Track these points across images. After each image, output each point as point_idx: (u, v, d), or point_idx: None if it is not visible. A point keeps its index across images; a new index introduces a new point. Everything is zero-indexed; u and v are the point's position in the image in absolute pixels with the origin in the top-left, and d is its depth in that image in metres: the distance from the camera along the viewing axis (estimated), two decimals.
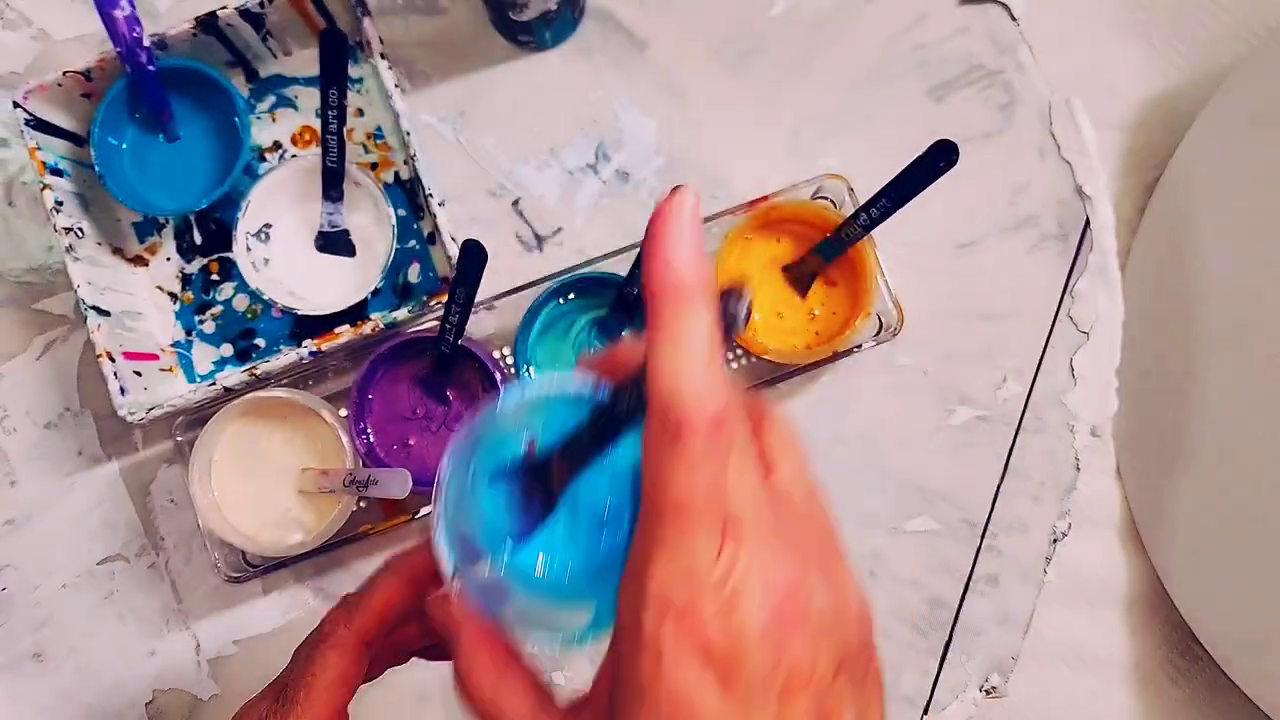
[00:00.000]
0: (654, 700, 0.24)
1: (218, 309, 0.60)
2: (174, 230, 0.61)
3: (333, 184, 0.56)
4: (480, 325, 0.59)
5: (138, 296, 0.60)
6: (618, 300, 0.53)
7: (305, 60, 0.61)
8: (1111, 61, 0.64)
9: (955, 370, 0.60)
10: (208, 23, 0.55)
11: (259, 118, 0.61)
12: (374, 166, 0.60)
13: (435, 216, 0.55)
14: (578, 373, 0.30)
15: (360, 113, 0.61)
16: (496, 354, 0.58)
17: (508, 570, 0.29)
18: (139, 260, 0.61)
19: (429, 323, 0.57)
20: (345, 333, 0.55)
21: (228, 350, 0.60)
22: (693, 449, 0.23)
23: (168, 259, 0.61)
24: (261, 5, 0.55)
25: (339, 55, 0.52)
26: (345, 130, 0.55)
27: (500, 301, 0.57)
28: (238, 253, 0.56)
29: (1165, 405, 0.59)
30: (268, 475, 0.56)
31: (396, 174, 0.60)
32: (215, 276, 0.60)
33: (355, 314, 0.57)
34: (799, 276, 0.56)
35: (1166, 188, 0.62)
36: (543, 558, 0.29)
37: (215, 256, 0.60)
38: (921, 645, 0.59)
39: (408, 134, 0.56)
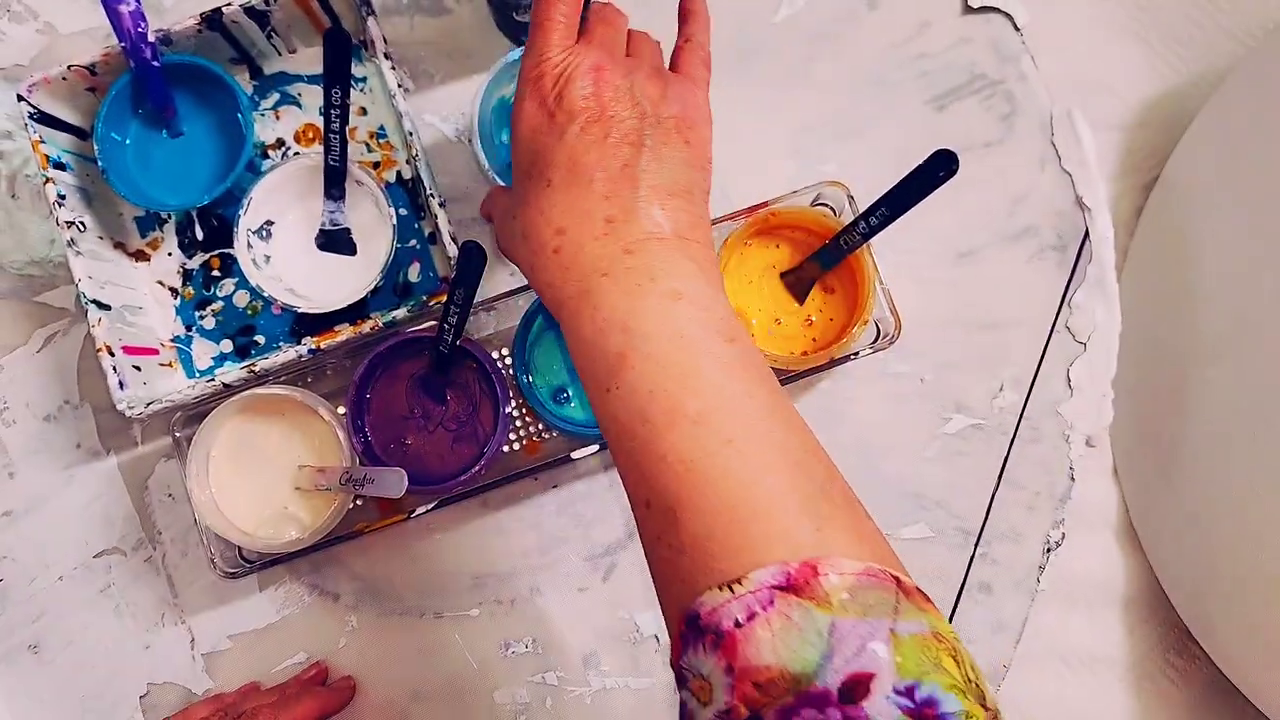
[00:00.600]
0: (517, 126, 0.43)
1: (218, 305, 0.60)
2: (176, 226, 0.61)
3: (335, 182, 0.56)
4: (479, 326, 0.59)
5: (138, 291, 0.60)
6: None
7: (310, 58, 0.61)
8: (1110, 63, 0.65)
9: (952, 379, 0.60)
10: (213, 19, 0.56)
11: (262, 115, 0.61)
12: (376, 165, 0.61)
13: (436, 216, 0.55)
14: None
15: (363, 111, 0.61)
16: (495, 355, 0.58)
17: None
18: (140, 255, 0.61)
19: (428, 322, 0.58)
20: (345, 331, 0.55)
21: (227, 346, 0.60)
22: None
23: (169, 254, 0.61)
24: (266, 3, 0.56)
25: (343, 54, 0.52)
26: (348, 129, 0.55)
27: (499, 303, 0.57)
28: (239, 249, 0.56)
29: (1163, 407, 0.59)
30: (265, 472, 0.56)
31: (398, 173, 0.61)
32: (216, 273, 0.61)
33: (355, 312, 0.58)
34: (797, 283, 0.56)
35: (1164, 188, 0.62)
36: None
37: (216, 252, 0.61)
38: None
39: (410, 134, 0.56)
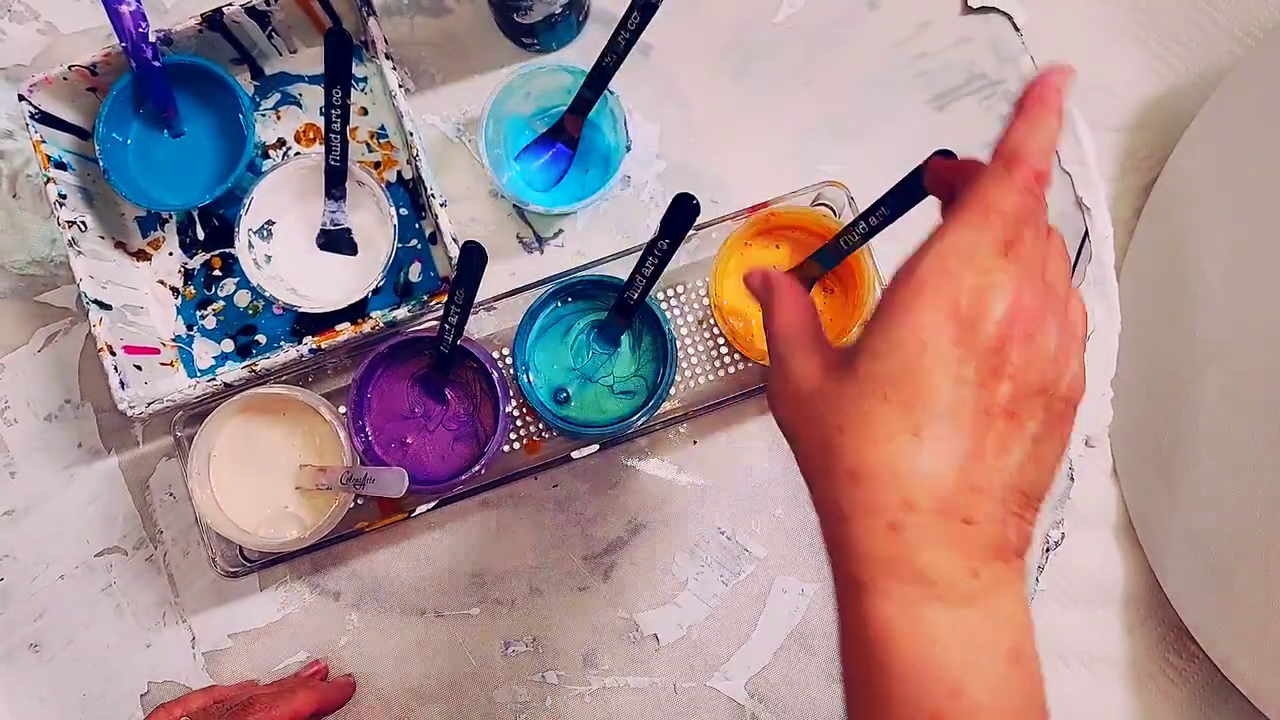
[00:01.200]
0: (901, 319, 0.32)
1: (219, 305, 0.60)
2: (177, 225, 0.61)
3: (335, 182, 0.56)
4: (480, 326, 0.59)
5: (140, 291, 0.60)
6: (617, 303, 0.53)
7: (310, 59, 0.61)
8: (1109, 63, 0.65)
9: None
10: (214, 19, 0.56)
11: (263, 115, 0.61)
12: (377, 166, 0.61)
13: (437, 217, 0.55)
14: None
15: (364, 112, 0.61)
16: (495, 355, 0.58)
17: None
18: (141, 255, 0.61)
19: (429, 322, 0.58)
20: (345, 331, 0.55)
21: (228, 346, 0.60)
22: (1016, 180, 0.33)
23: (170, 254, 0.61)
24: (267, 3, 0.56)
25: (344, 55, 0.52)
26: (349, 129, 0.55)
27: (500, 303, 0.58)
28: (240, 249, 0.56)
29: (1162, 406, 0.59)
30: (266, 471, 0.56)
31: (399, 173, 0.61)
32: (217, 272, 0.61)
33: (356, 312, 0.58)
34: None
35: (1163, 189, 0.62)
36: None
37: (217, 252, 0.61)
38: None
39: (411, 134, 0.56)
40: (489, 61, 0.62)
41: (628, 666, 0.59)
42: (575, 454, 0.57)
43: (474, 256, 0.48)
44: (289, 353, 0.55)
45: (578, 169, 0.60)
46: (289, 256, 0.58)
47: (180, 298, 0.61)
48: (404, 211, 0.60)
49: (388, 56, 0.57)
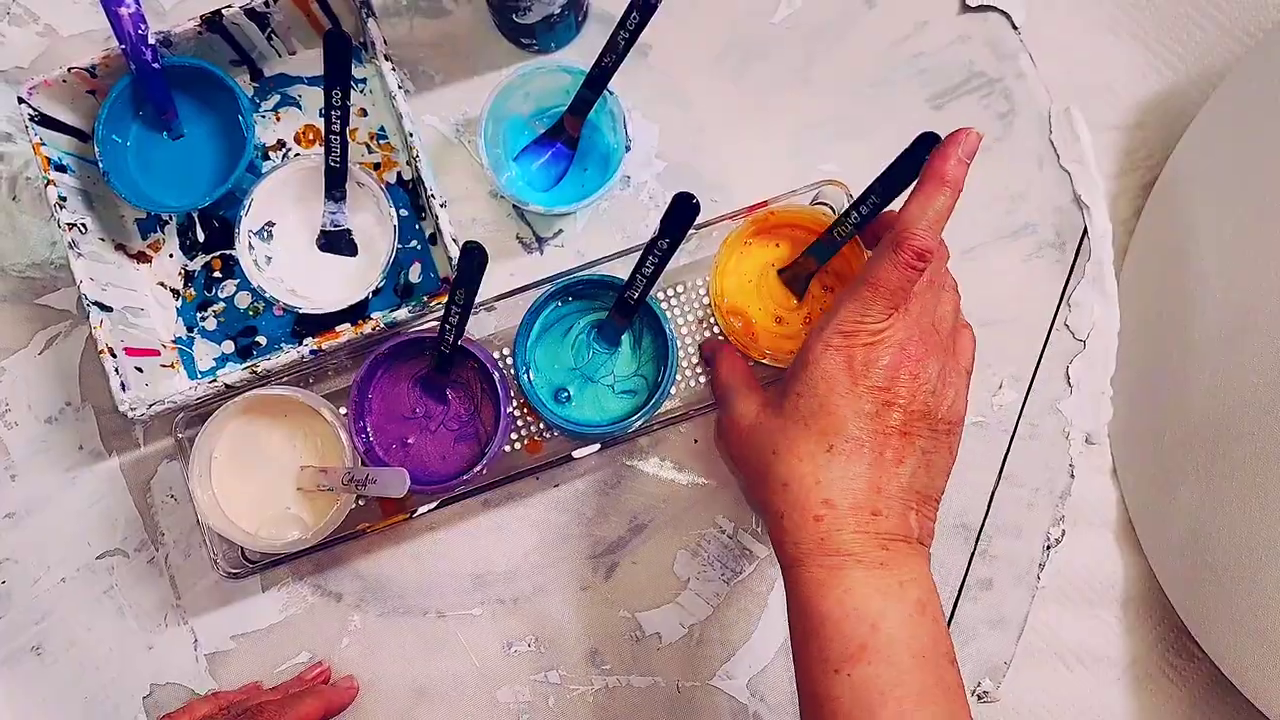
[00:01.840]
0: (813, 369, 0.43)
1: (220, 306, 0.61)
2: (177, 227, 0.61)
3: (335, 184, 0.57)
4: (480, 326, 0.59)
5: (140, 293, 0.60)
6: (617, 303, 0.53)
7: (310, 60, 0.61)
8: (1108, 62, 0.65)
9: None
10: (213, 21, 0.56)
11: (263, 116, 0.61)
12: (377, 167, 0.61)
13: (437, 217, 0.55)
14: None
15: (364, 113, 0.61)
16: (496, 355, 0.58)
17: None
18: (142, 257, 0.61)
19: (429, 323, 0.58)
20: (346, 332, 0.55)
21: (229, 347, 0.60)
22: (900, 259, 0.42)
23: (170, 256, 0.61)
24: (266, 4, 0.56)
25: (343, 56, 0.52)
26: (349, 130, 0.55)
27: (500, 303, 0.58)
28: (240, 250, 0.56)
29: (1162, 405, 0.59)
30: (267, 472, 0.56)
31: (399, 174, 0.61)
32: (218, 274, 0.61)
33: (356, 313, 0.58)
34: (794, 279, 0.56)
35: (1163, 188, 0.62)
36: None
37: (218, 254, 0.61)
38: None
39: (411, 135, 0.56)
40: (488, 62, 0.62)
41: (630, 665, 0.60)
42: (576, 454, 0.57)
43: (474, 257, 0.48)
44: (290, 354, 0.55)
45: (577, 169, 0.60)
46: (289, 258, 0.58)
47: (181, 299, 0.61)
48: (404, 212, 0.60)
49: (387, 58, 0.57)
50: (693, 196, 0.47)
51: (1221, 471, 0.55)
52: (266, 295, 0.56)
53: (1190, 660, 0.63)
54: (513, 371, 0.56)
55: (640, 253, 0.50)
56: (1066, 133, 0.61)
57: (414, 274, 0.60)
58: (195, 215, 0.61)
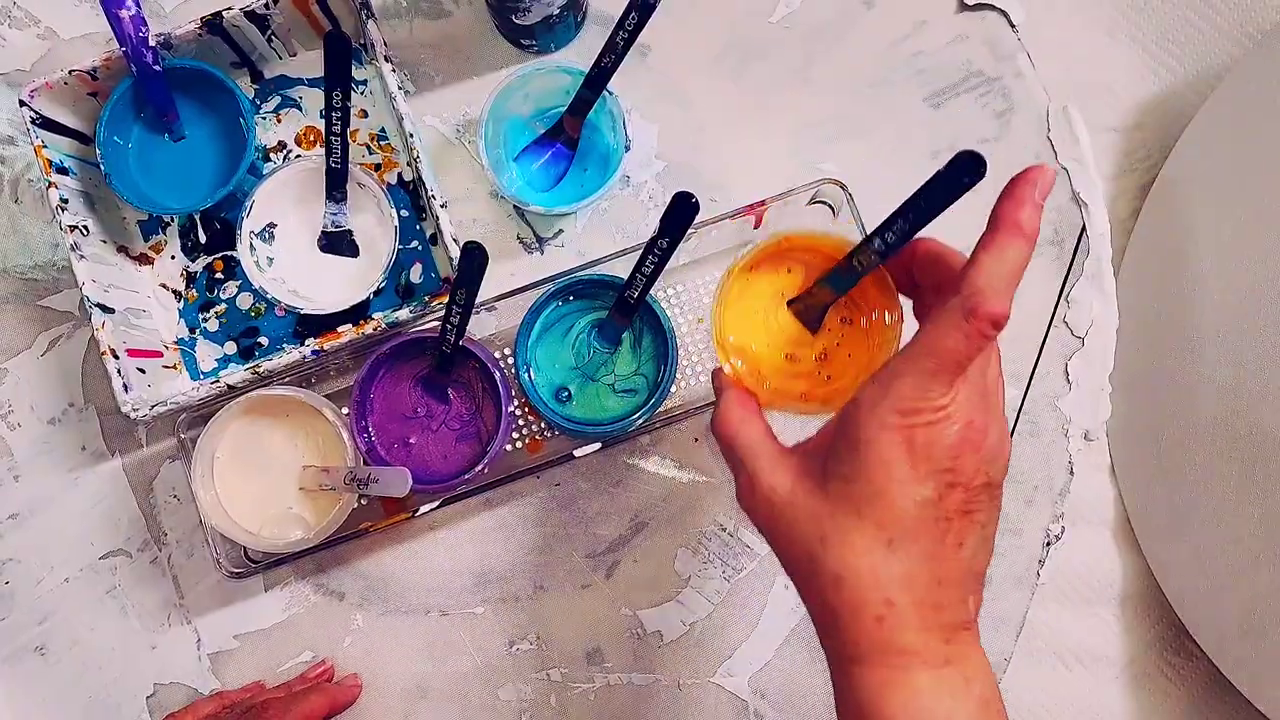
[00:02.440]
0: (866, 452, 0.37)
1: (221, 307, 0.61)
2: (179, 229, 0.61)
3: (336, 185, 0.57)
4: (481, 325, 0.59)
5: (142, 294, 0.60)
6: (617, 303, 0.54)
7: (310, 62, 0.62)
8: (1107, 63, 0.65)
9: None
10: (213, 23, 0.56)
11: (264, 118, 0.62)
12: (377, 168, 0.61)
13: (438, 218, 0.56)
14: None
15: (364, 114, 0.61)
16: (497, 354, 0.59)
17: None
18: (144, 258, 0.61)
19: (431, 323, 0.58)
20: (348, 332, 0.55)
21: (231, 348, 0.61)
22: (973, 327, 0.36)
23: (172, 257, 0.61)
24: (267, 7, 0.56)
25: (343, 58, 0.53)
26: (349, 132, 0.55)
27: (501, 303, 0.58)
28: (242, 252, 0.56)
29: (1160, 405, 0.60)
30: (270, 472, 0.57)
31: (400, 175, 0.61)
32: (219, 275, 0.61)
33: (358, 313, 0.58)
34: (807, 311, 0.47)
35: (1162, 189, 0.62)
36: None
37: (219, 255, 0.61)
38: None
39: (411, 136, 0.56)
40: (488, 63, 0.62)
41: (631, 664, 0.60)
42: (577, 452, 0.57)
43: (475, 257, 0.48)
44: (291, 354, 0.55)
45: (577, 169, 0.60)
46: (291, 259, 0.59)
47: (183, 301, 0.61)
48: (405, 213, 0.60)
49: (387, 59, 0.57)
50: (692, 196, 0.47)
51: (1220, 470, 0.55)
52: (268, 296, 0.56)
53: (1188, 659, 0.63)
54: (514, 371, 0.56)
55: (640, 252, 0.50)
56: (1064, 131, 0.62)
57: (415, 274, 0.60)
58: (197, 217, 0.61)
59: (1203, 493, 0.56)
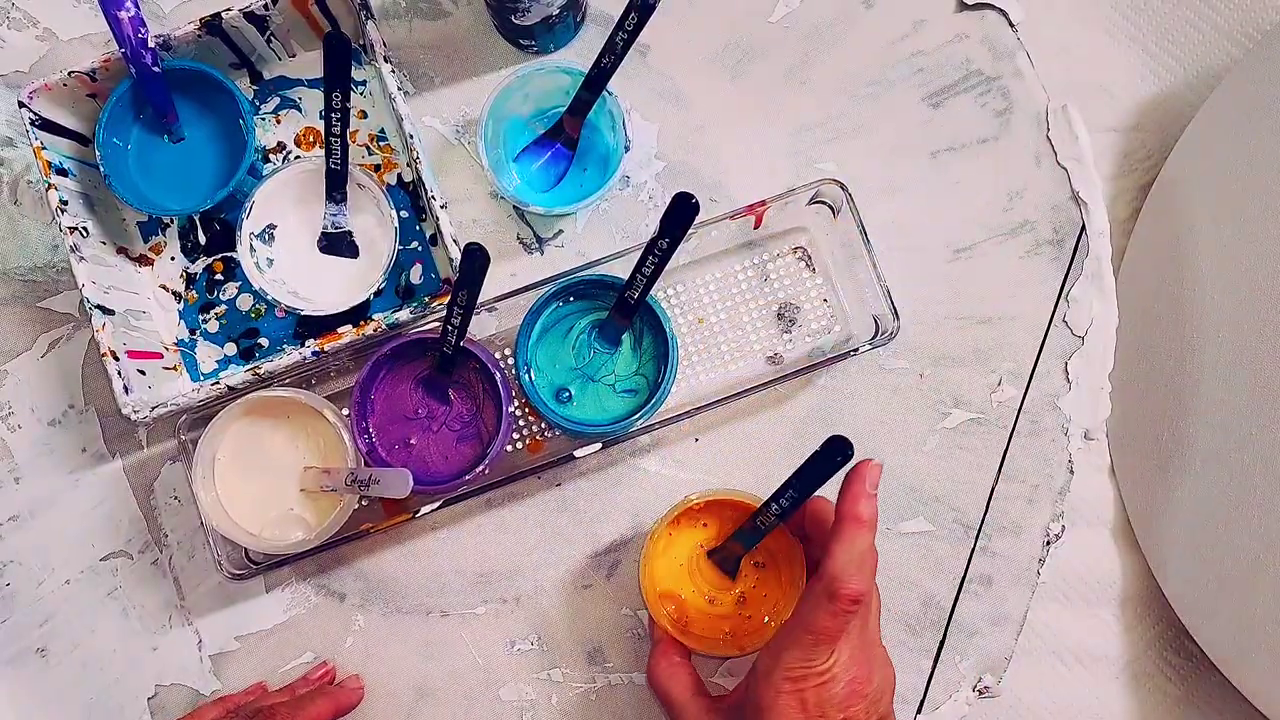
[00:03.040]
0: (768, 715, 0.44)
1: (221, 308, 0.61)
2: (178, 230, 0.61)
3: (336, 186, 0.57)
4: (481, 326, 0.59)
5: (142, 296, 0.60)
6: (618, 303, 0.54)
7: (310, 62, 0.62)
8: (1106, 64, 0.65)
9: (950, 373, 0.61)
10: (212, 24, 0.56)
11: (263, 119, 0.61)
12: (377, 168, 0.61)
13: (438, 218, 0.56)
14: None
15: (364, 115, 0.61)
16: (497, 355, 0.59)
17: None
18: (143, 260, 0.61)
19: (431, 323, 0.58)
20: (348, 333, 0.55)
21: (231, 349, 0.61)
22: (836, 607, 0.43)
23: (172, 258, 0.61)
24: (266, 8, 0.56)
25: (342, 59, 0.53)
26: (349, 132, 0.55)
27: (501, 303, 0.58)
28: (242, 253, 0.56)
29: (1159, 403, 0.60)
30: (270, 473, 0.57)
31: (399, 176, 0.61)
32: (219, 276, 0.61)
33: (358, 314, 0.58)
34: (724, 561, 0.54)
35: (1161, 189, 0.62)
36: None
37: (219, 256, 0.61)
38: (915, 645, 0.60)
39: (411, 136, 0.56)
40: (487, 63, 0.62)
41: (632, 664, 0.60)
42: (578, 453, 0.57)
43: (476, 258, 0.48)
44: (292, 355, 0.55)
45: (577, 170, 0.60)
46: (291, 260, 0.59)
47: (183, 302, 0.61)
48: (405, 213, 0.60)
49: (386, 59, 0.57)
50: (692, 196, 0.47)
51: (1219, 470, 0.55)
52: (268, 297, 0.56)
53: (1188, 659, 0.63)
54: (514, 372, 0.56)
55: (640, 253, 0.51)
56: (1064, 130, 0.62)
57: (415, 275, 0.60)
58: (196, 218, 0.61)
59: (1202, 494, 0.56)
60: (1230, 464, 0.55)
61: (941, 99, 0.62)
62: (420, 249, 0.60)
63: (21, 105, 0.55)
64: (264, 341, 0.60)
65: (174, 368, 0.60)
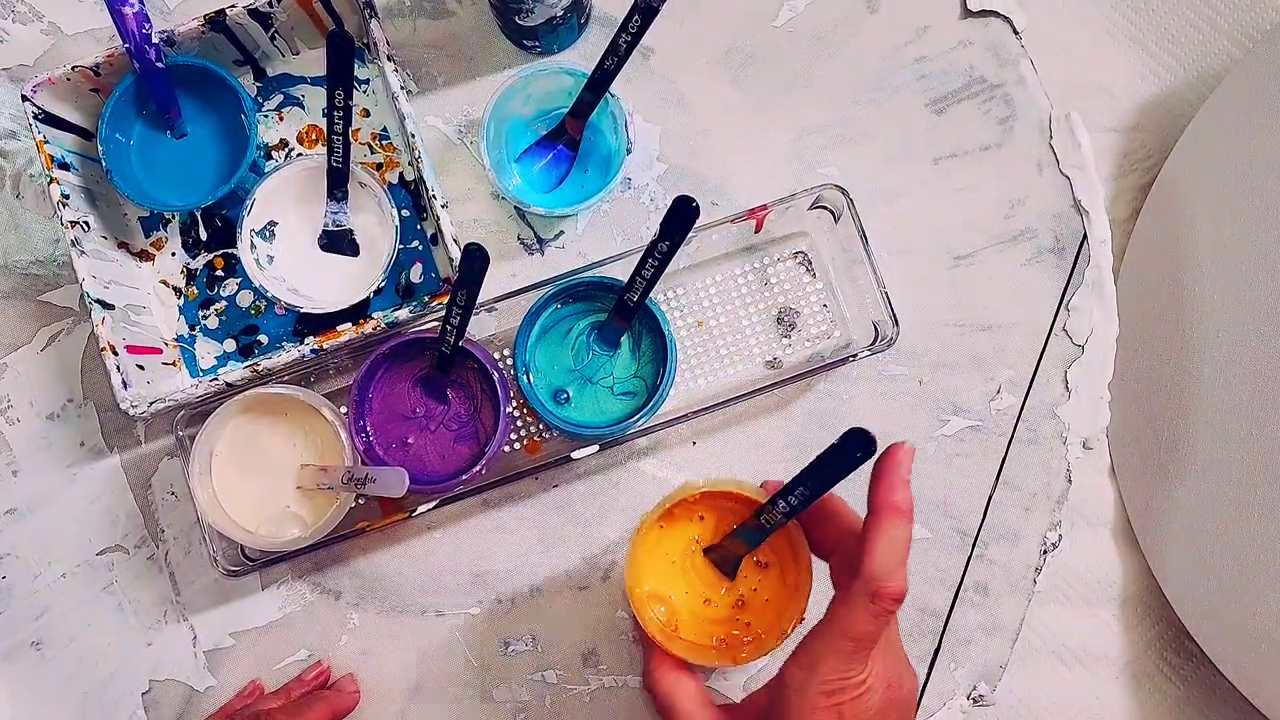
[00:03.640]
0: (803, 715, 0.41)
1: (221, 305, 0.61)
2: (179, 226, 0.61)
3: (337, 184, 0.57)
4: (481, 326, 0.59)
5: (142, 291, 0.60)
6: (617, 305, 0.54)
7: (313, 60, 0.62)
8: (1106, 65, 0.65)
9: (949, 381, 0.61)
10: (216, 21, 0.56)
11: (266, 116, 0.62)
12: (379, 167, 0.61)
13: (438, 218, 0.56)
14: None
15: (366, 113, 0.61)
16: (496, 355, 0.59)
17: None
18: (144, 255, 0.61)
19: (430, 323, 0.58)
20: (347, 331, 0.55)
21: (230, 346, 0.61)
22: (878, 607, 0.40)
23: (173, 254, 0.61)
24: (270, 5, 0.56)
25: (346, 57, 0.53)
26: (351, 131, 0.55)
27: (501, 304, 0.58)
28: (242, 250, 0.56)
29: (1160, 405, 0.60)
30: (267, 471, 0.57)
31: (401, 175, 0.61)
32: (220, 273, 0.61)
33: (357, 313, 0.58)
34: (723, 560, 0.49)
35: (1161, 189, 0.62)
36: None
37: (220, 253, 0.61)
38: (910, 652, 0.60)
39: (413, 136, 0.56)
40: (490, 64, 0.62)
41: (627, 666, 0.60)
42: (575, 454, 0.57)
43: (476, 259, 0.48)
44: (291, 353, 0.55)
45: (578, 171, 0.60)
46: (291, 257, 0.59)
47: (183, 298, 0.61)
48: (406, 213, 0.60)
49: (390, 58, 0.57)
50: (693, 200, 0.47)
51: (1219, 471, 0.55)
52: (268, 294, 0.56)
53: (1188, 659, 0.63)
54: (513, 372, 0.56)
55: (640, 255, 0.51)
56: (1067, 139, 0.62)
57: (415, 274, 0.60)
58: (198, 214, 0.61)
59: (1203, 494, 0.56)
60: (1231, 464, 0.54)
61: (944, 105, 0.62)
62: (421, 248, 0.60)
63: (25, 99, 0.55)
64: (263, 338, 0.61)
65: (173, 363, 0.60)
